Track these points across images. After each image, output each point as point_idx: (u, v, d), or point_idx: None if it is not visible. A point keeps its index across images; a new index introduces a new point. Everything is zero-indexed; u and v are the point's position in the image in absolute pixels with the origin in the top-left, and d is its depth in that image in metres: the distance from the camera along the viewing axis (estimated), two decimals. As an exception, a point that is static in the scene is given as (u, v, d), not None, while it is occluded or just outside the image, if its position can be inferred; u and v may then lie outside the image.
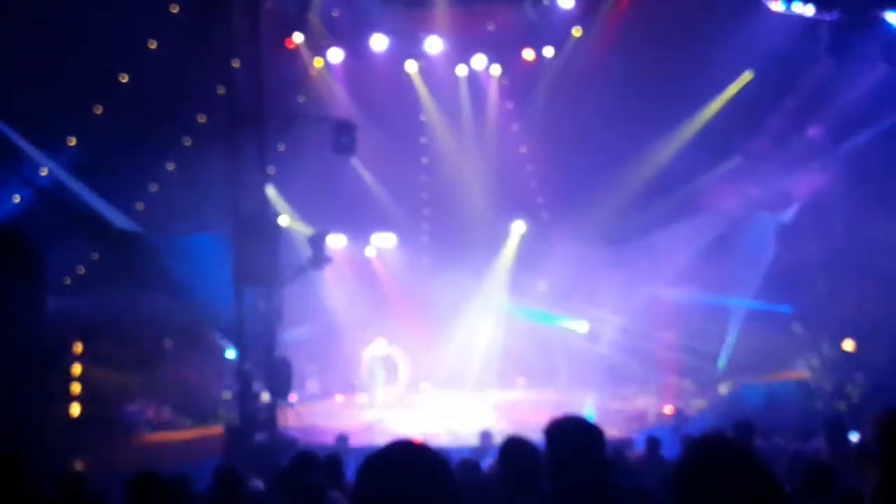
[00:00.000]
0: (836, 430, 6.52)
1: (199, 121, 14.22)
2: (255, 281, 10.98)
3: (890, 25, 13.66)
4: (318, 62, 16.32)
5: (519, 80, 17.37)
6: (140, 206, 13.92)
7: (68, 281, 13.76)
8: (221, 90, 12.13)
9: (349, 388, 17.45)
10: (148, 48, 13.17)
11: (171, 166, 14.13)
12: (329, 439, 10.82)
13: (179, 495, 5.63)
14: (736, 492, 1.66)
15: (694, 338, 15.25)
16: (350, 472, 5.51)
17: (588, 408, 14.20)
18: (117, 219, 13.08)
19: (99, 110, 13.24)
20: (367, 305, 17.40)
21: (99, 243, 13.57)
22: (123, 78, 13.35)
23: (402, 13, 15.67)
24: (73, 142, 13.17)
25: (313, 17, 15.10)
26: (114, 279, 13.41)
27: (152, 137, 13.40)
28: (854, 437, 6.72)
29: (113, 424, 12.07)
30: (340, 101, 16.21)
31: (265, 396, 11.09)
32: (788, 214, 14.62)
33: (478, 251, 17.64)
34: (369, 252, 18.59)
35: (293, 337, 13.63)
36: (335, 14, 15.31)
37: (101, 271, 13.76)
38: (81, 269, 14.06)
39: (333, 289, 16.90)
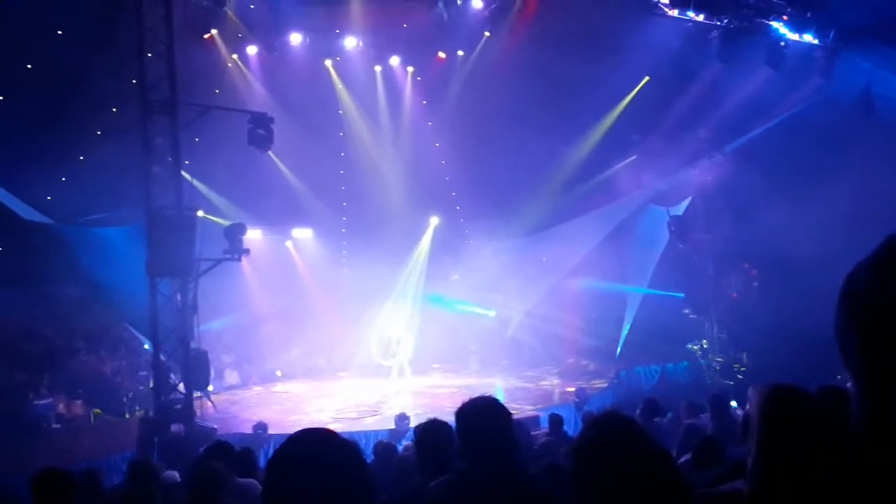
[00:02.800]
0: (720, 405, 7.04)
1: (112, 111, 13.89)
2: (168, 273, 10.79)
3: (775, 32, 14.76)
4: (234, 56, 16.24)
5: (432, 78, 17.77)
6: (49, 197, 13.49)
7: (-28, 275, 13.25)
8: (133, 80, 11.92)
9: (269, 378, 17.55)
10: (56, 35, 12.76)
11: (81, 157, 13.73)
12: (248, 429, 11.03)
13: (89, 491, 5.58)
14: (628, 464, 1.75)
15: (594, 322, 16.10)
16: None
17: (498, 389, 14.89)
18: (24, 210, 12.69)
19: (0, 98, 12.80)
20: (285, 297, 17.49)
21: (5, 236, 13.11)
22: (28, 66, 12.92)
23: (319, 10, 15.69)
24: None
25: (230, 11, 14.93)
26: (22, 272, 12.99)
27: (62, 127, 13.00)
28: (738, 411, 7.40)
29: (19, 420, 11.66)
30: (257, 94, 16.13)
31: (182, 388, 11.12)
32: (680, 207, 15.54)
33: (395, 243, 18.00)
34: (287, 244, 18.66)
35: (211, 328, 13.62)
36: (252, 8, 15.24)
37: (7, 264, 13.27)
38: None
39: (251, 281, 16.91)
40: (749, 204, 14.59)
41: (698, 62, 15.05)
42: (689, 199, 15.65)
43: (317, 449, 1.66)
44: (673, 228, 14.95)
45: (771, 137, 14.91)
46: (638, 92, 16.43)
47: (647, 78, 16.19)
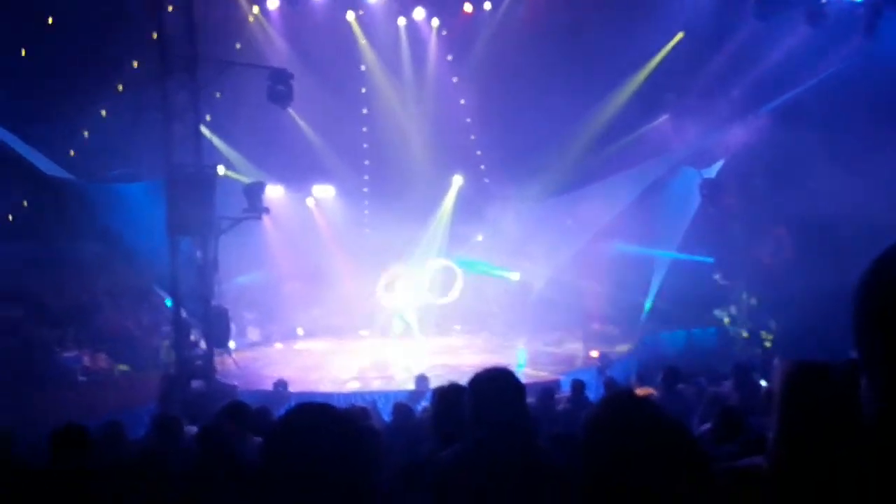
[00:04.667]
0: (744, 375, 6.90)
1: (132, 65, 13.82)
2: (189, 231, 10.82)
3: (814, -12, 14.08)
4: (255, 9, 16.00)
5: (458, 33, 17.39)
6: (72, 152, 13.54)
7: (-5, 228, 13.44)
8: (154, 34, 11.81)
9: (290, 336, 17.68)
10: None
11: (103, 113, 13.73)
12: (268, 386, 11.09)
13: (112, 442, 5.63)
14: (641, 443, 1.74)
15: (620, 287, 15.82)
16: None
17: (520, 352, 14.81)
18: (47, 166, 12.74)
19: (23, 53, 12.76)
20: (306, 255, 17.50)
21: (28, 190, 13.21)
22: (49, 20, 12.85)
23: (342, -39, 15.44)
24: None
25: (251, -37, 14.73)
26: (45, 227, 13.12)
27: (83, 82, 12.97)
28: (762, 382, 7.22)
29: (47, 373, 11.92)
30: (278, 49, 15.93)
31: (203, 345, 11.21)
32: (713, 170, 15.13)
33: (417, 202, 17.84)
34: (309, 202, 18.60)
35: (232, 286, 13.68)
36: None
37: (31, 219, 13.42)
38: (10, 217, 13.73)
39: (273, 238, 16.92)
40: (785, 168, 14.16)
41: (735, 19, 14.50)
42: (723, 161, 15.20)
43: (313, 422, 1.69)
44: (705, 191, 14.56)
45: (809, 99, 14.39)
46: (671, 49, 15.90)
47: (681, 34, 15.62)
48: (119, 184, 13.06)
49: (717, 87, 14.88)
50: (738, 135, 15.07)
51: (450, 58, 17.74)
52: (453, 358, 14.12)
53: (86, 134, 13.55)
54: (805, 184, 13.05)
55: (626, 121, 16.44)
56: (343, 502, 1.63)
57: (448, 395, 3.28)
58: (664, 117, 15.96)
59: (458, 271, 17.54)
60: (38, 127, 12.58)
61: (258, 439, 4.62)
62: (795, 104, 14.66)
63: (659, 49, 16.10)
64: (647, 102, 16.19)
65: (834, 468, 1.54)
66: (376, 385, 11.99)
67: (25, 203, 13.68)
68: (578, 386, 8.11)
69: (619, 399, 1.92)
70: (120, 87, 13.77)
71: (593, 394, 9.33)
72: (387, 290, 15.66)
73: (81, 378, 12.18)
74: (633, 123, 16.50)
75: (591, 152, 16.88)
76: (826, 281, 11.73)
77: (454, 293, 17.58)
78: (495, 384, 2.62)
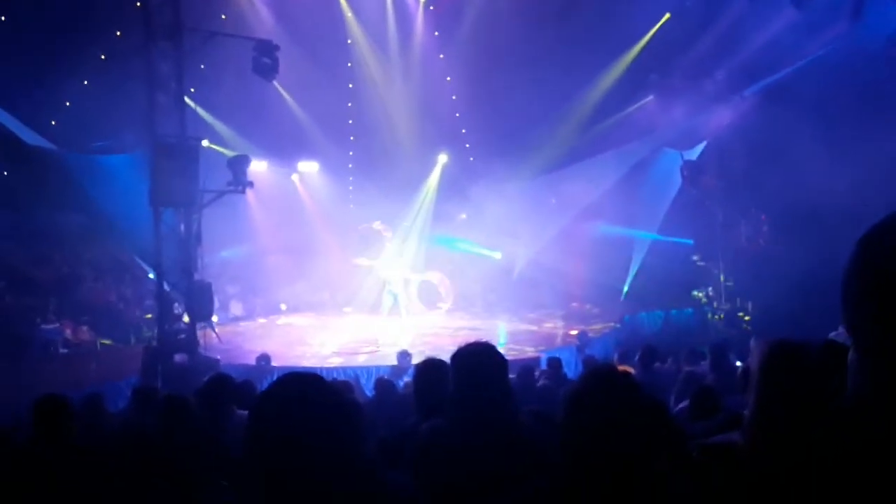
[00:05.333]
0: (720, 354, 7.01)
1: (116, 34, 13.60)
2: (172, 203, 10.72)
3: (802, -31, 14.08)
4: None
5: (446, 9, 17.23)
6: (53, 122, 13.34)
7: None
8: (137, 2, 11.62)
9: (273, 311, 17.69)
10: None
11: (85, 82, 13.51)
12: (251, 360, 11.14)
13: (92, 414, 5.61)
14: (620, 417, 1.74)
15: (601, 267, 16.00)
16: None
17: (501, 330, 14.97)
18: (29, 136, 12.56)
19: (2, 19, 12.52)
20: (290, 230, 17.46)
21: (9, 160, 13.02)
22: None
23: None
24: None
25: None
26: (26, 197, 12.96)
27: (66, 50, 12.75)
28: (738, 363, 7.36)
29: (28, 345, 11.85)
30: (264, 20, 15.69)
31: (186, 318, 11.20)
32: (694, 152, 15.23)
33: (402, 180, 17.81)
34: (294, 178, 18.51)
35: (216, 260, 13.63)
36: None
37: (12, 189, 13.24)
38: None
39: (257, 213, 16.86)
40: (767, 151, 14.24)
41: (721, 1, 14.49)
42: (704, 143, 15.30)
43: (301, 391, 1.65)
44: (686, 173, 14.64)
45: (793, 82, 14.44)
46: (658, 30, 15.89)
47: (667, 15, 15.62)
48: (102, 155, 12.91)
49: (701, 68, 14.89)
50: (722, 117, 15.12)
51: (437, 33, 17.61)
52: (435, 335, 14.24)
53: (68, 104, 13.33)
54: (787, 167, 13.14)
55: (612, 101, 16.49)
56: (329, 473, 1.61)
57: (430, 370, 3.28)
58: (649, 98, 15.99)
59: (446, 283, 17.43)
60: (20, 96, 12.37)
61: (242, 412, 4.71)
62: (779, 87, 14.70)
63: (646, 30, 16.07)
64: (634, 83, 16.19)
65: (811, 445, 1.57)
66: (359, 360, 12.07)
67: (5, 173, 13.48)
68: (556, 363, 8.23)
69: (600, 374, 1.89)
70: (103, 57, 13.54)
71: (572, 372, 9.52)
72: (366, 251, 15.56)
73: (63, 350, 12.12)
74: (620, 104, 16.53)
75: (576, 132, 16.92)
76: (805, 263, 11.97)
77: (444, 305, 17.55)
78: (478, 359, 2.60)
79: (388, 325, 13.79)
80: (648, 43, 16.25)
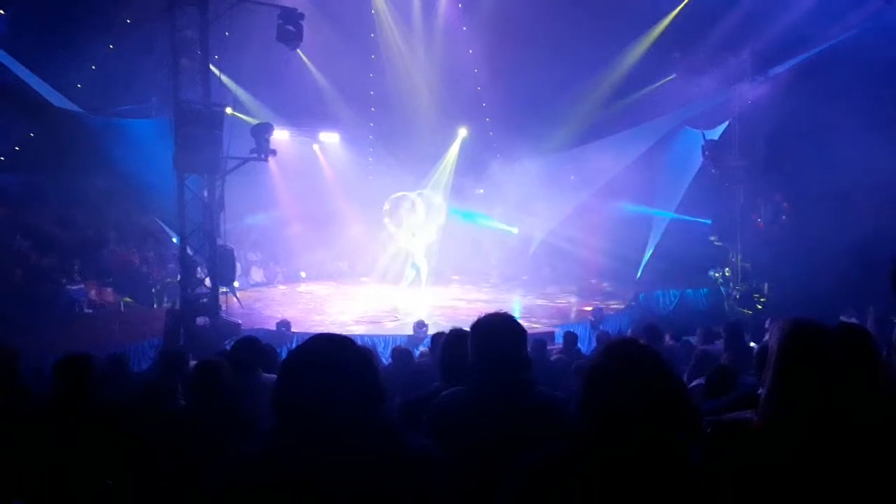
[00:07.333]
0: (735, 334, 7.10)
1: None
2: (195, 169, 10.80)
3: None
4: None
5: (470, -20, 17.12)
6: (80, 85, 13.42)
7: (1, 158, 13.40)
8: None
9: (293, 278, 17.88)
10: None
11: (111, 46, 13.56)
12: (271, 326, 11.33)
13: (116, 375, 5.79)
14: (638, 390, 1.75)
15: (618, 244, 15.98)
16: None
17: (516, 304, 15.08)
18: (55, 97, 12.67)
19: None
20: (311, 200, 17.58)
21: (35, 122, 13.15)
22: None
23: None
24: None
25: None
26: (52, 159, 13.11)
27: (91, 14, 12.78)
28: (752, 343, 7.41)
29: (54, 305, 12.06)
30: (289, -12, 15.66)
31: (208, 282, 11.39)
32: (716, 131, 15.09)
33: (421, 152, 17.83)
34: (315, 147, 18.59)
35: (238, 226, 13.76)
36: None
37: (38, 151, 13.39)
38: (17, 148, 13.73)
39: (278, 181, 16.98)
40: (792, 132, 14.08)
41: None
42: (727, 123, 15.15)
43: (330, 352, 1.70)
44: (707, 153, 14.54)
45: (823, 62, 14.18)
46: (682, 8, 15.66)
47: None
48: (127, 119, 13.00)
49: (726, 47, 14.67)
50: (746, 96, 14.96)
51: (460, 5, 17.46)
52: (452, 308, 14.36)
53: (93, 67, 13.39)
54: (814, 148, 13.00)
55: (635, 78, 16.32)
56: (354, 431, 1.67)
57: (458, 339, 3.25)
58: (672, 76, 15.82)
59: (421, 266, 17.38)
60: (46, 58, 12.44)
61: (268, 375, 4.85)
62: (809, 67, 14.44)
63: (671, 7, 15.84)
64: (657, 61, 15.99)
65: (829, 422, 1.59)
66: (376, 329, 12.24)
67: (32, 134, 13.63)
68: (571, 338, 8.28)
69: (621, 345, 1.89)
70: (128, 21, 13.57)
71: (585, 347, 9.62)
72: (391, 217, 15.58)
73: (87, 310, 12.34)
74: (642, 81, 16.36)
75: (598, 108, 16.80)
76: (827, 245, 11.90)
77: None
78: (497, 328, 2.63)
79: (407, 295, 13.93)
80: (673, 20, 16.02)
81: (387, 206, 16.85)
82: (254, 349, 4.99)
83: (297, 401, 1.66)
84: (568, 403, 2.65)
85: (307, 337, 1.78)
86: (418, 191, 16.86)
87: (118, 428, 3.68)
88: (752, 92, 14.79)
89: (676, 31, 15.80)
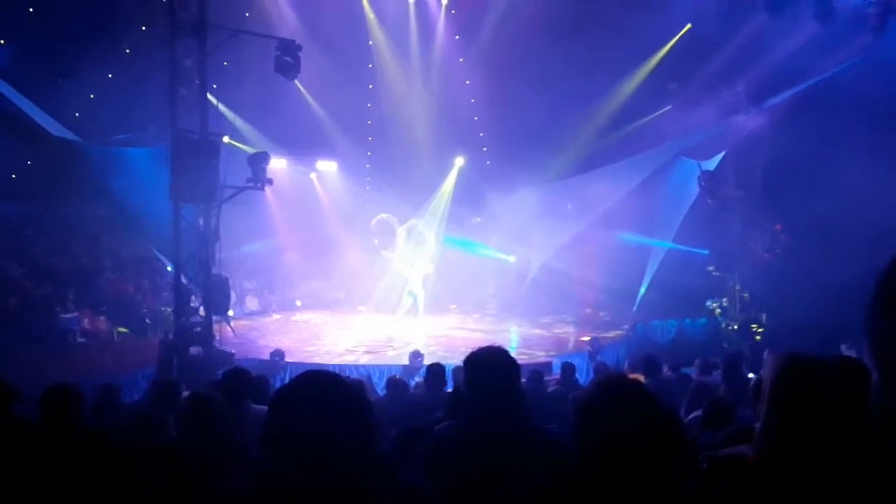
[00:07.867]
0: (733, 365, 7.04)
1: (141, 29, 13.76)
2: (192, 198, 10.78)
3: (827, -17, 13.96)
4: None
5: (467, 13, 17.30)
6: (77, 114, 13.50)
7: (-3, 187, 13.42)
8: (162, -1, 11.70)
9: (288, 307, 17.79)
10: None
11: (110, 75, 13.67)
12: (265, 355, 11.23)
13: (107, 405, 5.75)
14: (632, 426, 1.76)
15: (615, 274, 15.97)
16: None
17: (513, 333, 14.99)
18: (53, 126, 12.72)
19: (30, 10, 12.71)
20: (307, 228, 17.58)
21: (33, 150, 13.18)
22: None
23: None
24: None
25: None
26: (49, 188, 13.13)
27: (92, 42, 12.91)
28: (750, 374, 7.36)
29: (47, 333, 11.98)
30: (287, 20, 15.80)
31: (202, 311, 11.31)
32: (712, 162, 15.17)
33: (419, 181, 17.89)
34: (312, 176, 18.64)
35: (233, 255, 13.71)
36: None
37: (35, 179, 13.41)
38: (13, 176, 13.74)
39: (275, 210, 16.99)
40: (787, 163, 14.17)
41: (743, 11, 14.43)
42: (723, 153, 15.25)
43: (322, 387, 1.69)
44: (703, 183, 14.60)
45: (814, 96, 14.36)
46: (678, 40, 15.86)
47: (688, 25, 15.59)
48: (124, 148, 13.03)
49: (722, 79, 14.84)
50: (741, 128, 15.09)
51: (457, 37, 17.68)
52: (448, 337, 14.27)
53: (92, 96, 13.48)
54: (809, 179, 13.07)
55: (631, 109, 16.47)
56: (345, 470, 1.64)
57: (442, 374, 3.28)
58: (668, 107, 15.96)
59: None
60: (45, 87, 12.51)
61: (258, 407, 4.72)
62: (802, 100, 14.61)
63: (667, 39, 16.04)
64: (653, 92, 16.17)
65: (824, 458, 1.56)
66: (371, 359, 12.13)
67: (29, 162, 13.66)
68: (569, 369, 8.20)
69: (614, 381, 1.91)
70: (128, 51, 13.71)
71: (583, 377, 9.52)
72: (379, 239, 15.48)
73: (80, 339, 12.25)
74: (638, 112, 16.51)
75: (594, 139, 16.92)
76: (824, 276, 11.88)
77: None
78: (490, 362, 2.64)
79: (403, 324, 13.85)
80: (669, 52, 16.21)
81: (374, 224, 16.83)
82: (243, 380, 4.97)
83: (288, 434, 1.65)
84: (561, 437, 2.65)
85: (301, 367, 1.78)
86: (412, 220, 16.84)
87: (105, 457, 3.66)
88: (747, 123, 14.92)
89: (672, 63, 16.00)
